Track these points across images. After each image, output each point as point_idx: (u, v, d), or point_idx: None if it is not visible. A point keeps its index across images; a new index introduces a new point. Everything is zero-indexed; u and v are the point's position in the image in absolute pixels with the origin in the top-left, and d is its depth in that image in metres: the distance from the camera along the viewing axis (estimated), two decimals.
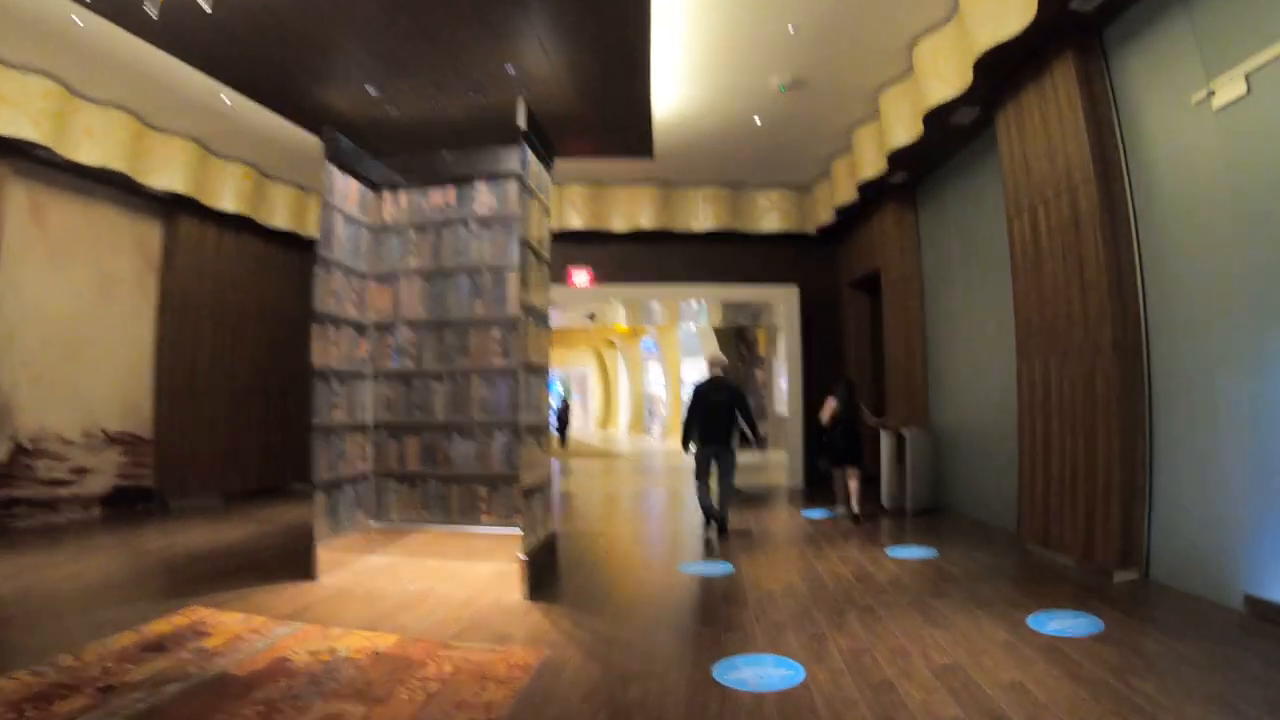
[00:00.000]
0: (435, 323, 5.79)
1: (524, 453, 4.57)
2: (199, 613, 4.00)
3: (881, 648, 3.35)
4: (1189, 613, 3.73)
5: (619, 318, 11.92)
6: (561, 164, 8.58)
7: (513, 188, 5.57)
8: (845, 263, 9.62)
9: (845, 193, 8.27)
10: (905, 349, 7.84)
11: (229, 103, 6.83)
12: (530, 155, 4.93)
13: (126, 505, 7.73)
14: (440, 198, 5.99)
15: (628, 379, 25.97)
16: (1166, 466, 4.36)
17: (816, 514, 7.22)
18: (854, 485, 6.70)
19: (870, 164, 7.38)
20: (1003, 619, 3.72)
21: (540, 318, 5.14)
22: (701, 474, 6.27)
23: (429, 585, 4.67)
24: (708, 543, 5.96)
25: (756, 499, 8.56)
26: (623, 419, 26.49)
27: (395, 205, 6.12)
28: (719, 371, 6.51)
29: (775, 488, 9.42)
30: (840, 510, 7.17)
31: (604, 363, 28.99)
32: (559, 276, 9.54)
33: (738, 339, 16.58)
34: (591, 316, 10.90)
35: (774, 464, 11.75)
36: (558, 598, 4.38)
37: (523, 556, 4.41)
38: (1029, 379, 5.25)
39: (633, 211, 9.33)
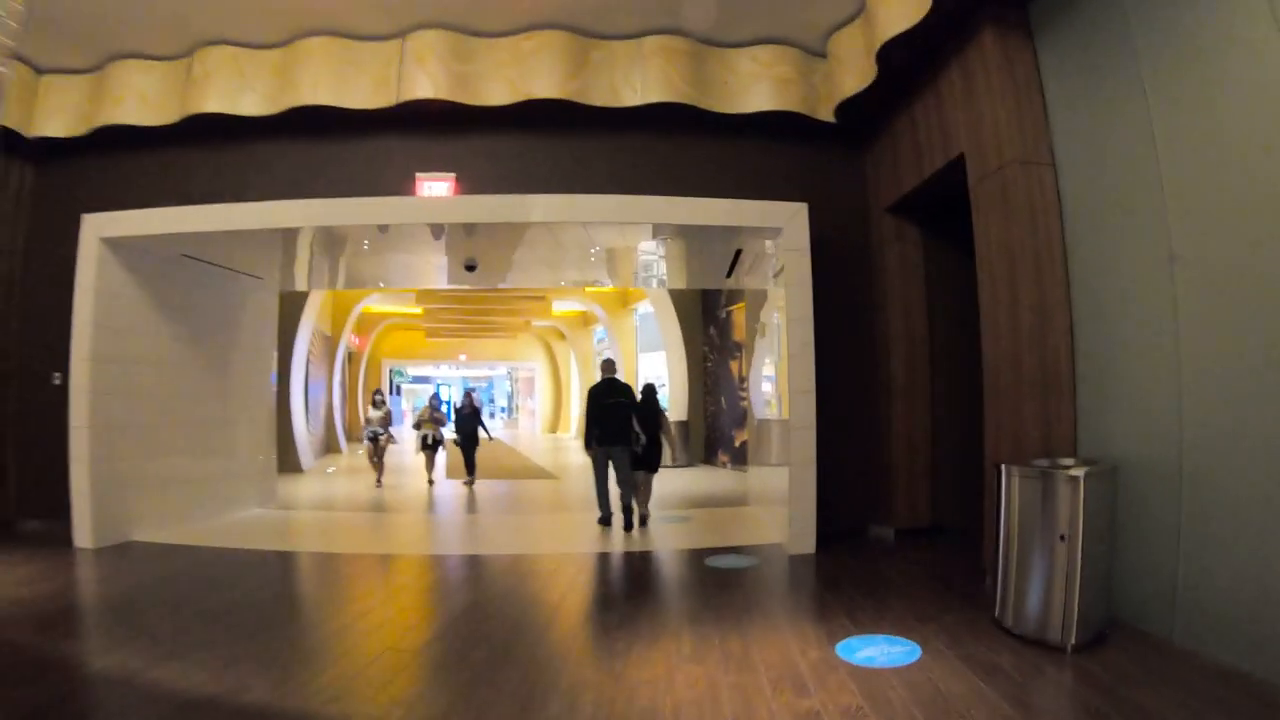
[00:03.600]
0: None
1: None
2: None
3: None
4: None
5: (527, 271, 7.83)
6: None
7: None
8: (884, 166, 5.75)
9: (899, 16, 4.44)
10: (1033, 303, 3.99)
11: None
12: None
13: None
14: None
15: (578, 375, 22.05)
16: None
17: (878, 653, 3.26)
18: (646, 492, 6.63)
19: None
20: None
21: None
22: (600, 473, 6.44)
23: None
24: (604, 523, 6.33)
25: (731, 585, 4.60)
26: (573, 422, 22.53)
27: None
28: (612, 374, 6.56)
29: (766, 552, 5.43)
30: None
31: (554, 357, 25.18)
32: (398, 186, 5.61)
33: (706, 319, 12.71)
34: (471, 268, 6.93)
35: (757, 495, 7.67)
36: None
37: None
38: None
39: (523, 74, 5.40)
